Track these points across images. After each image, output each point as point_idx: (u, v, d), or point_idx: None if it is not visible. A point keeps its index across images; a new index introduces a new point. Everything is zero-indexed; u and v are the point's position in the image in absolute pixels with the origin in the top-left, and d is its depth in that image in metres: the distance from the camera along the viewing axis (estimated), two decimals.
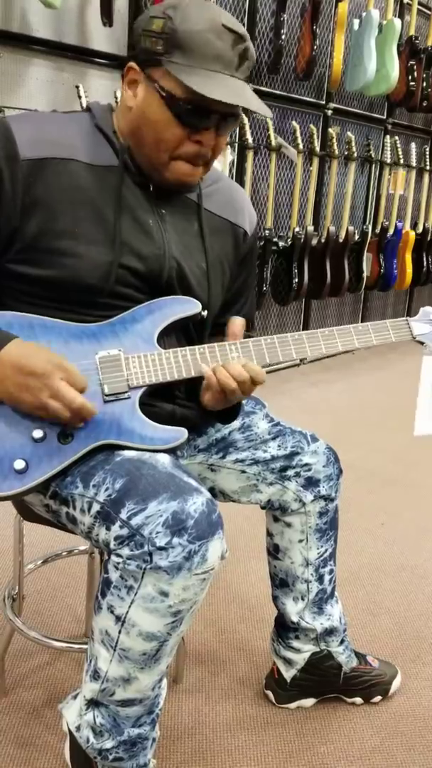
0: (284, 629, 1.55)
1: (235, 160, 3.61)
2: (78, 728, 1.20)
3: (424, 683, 1.68)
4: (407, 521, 2.50)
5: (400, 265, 4.60)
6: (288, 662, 1.55)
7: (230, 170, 3.55)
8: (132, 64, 1.18)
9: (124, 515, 1.06)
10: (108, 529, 1.08)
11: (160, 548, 1.03)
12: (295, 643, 1.54)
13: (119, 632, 1.10)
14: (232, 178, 3.60)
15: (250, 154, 3.52)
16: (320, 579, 1.49)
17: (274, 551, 1.52)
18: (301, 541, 1.47)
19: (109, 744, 1.18)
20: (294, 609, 1.51)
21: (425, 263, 4.82)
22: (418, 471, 2.93)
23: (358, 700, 1.60)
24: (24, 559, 1.55)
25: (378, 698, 1.60)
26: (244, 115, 3.53)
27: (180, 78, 1.10)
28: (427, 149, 4.88)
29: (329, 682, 1.57)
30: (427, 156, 4.84)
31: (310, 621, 1.51)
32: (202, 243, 1.29)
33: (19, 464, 1.11)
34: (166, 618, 1.07)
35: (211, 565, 1.07)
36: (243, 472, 1.41)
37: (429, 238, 4.84)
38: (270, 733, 1.51)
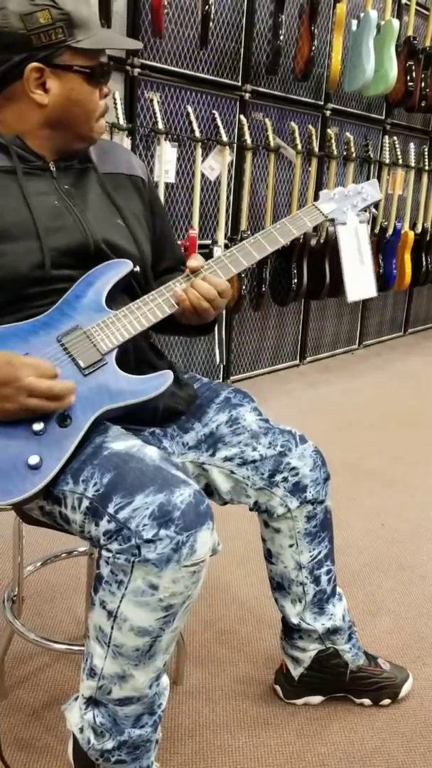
0: (288, 629, 1.55)
1: (234, 161, 3.62)
2: (81, 729, 1.20)
3: (424, 684, 1.68)
4: (407, 521, 2.50)
5: (399, 265, 4.60)
6: (295, 660, 1.56)
7: (229, 171, 3.56)
8: (34, 65, 1.20)
9: (111, 509, 1.07)
10: (97, 524, 1.09)
11: (148, 541, 1.03)
12: (300, 643, 1.54)
13: (112, 628, 1.10)
14: (231, 178, 3.61)
15: (248, 155, 3.52)
16: (316, 581, 1.49)
17: (268, 556, 1.52)
18: (291, 545, 1.46)
19: (110, 744, 1.18)
20: (293, 611, 1.52)
21: (424, 263, 4.81)
22: (418, 471, 2.93)
23: (367, 701, 1.59)
24: (24, 561, 1.55)
25: (387, 701, 1.60)
26: (242, 116, 3.54)
27: (101, 46, 1.23)
28: (426, 149, 4.88)
29: (336, 680, 1.57)
30: (426, 156, 4.84)
31: (311, 622, 1.51)
32: (112, 203, 1.35)
33: (33, 459, 1.12)
34: (157, 612, 1.08)
35: (201, 556, 1.07)
36: (232, 473, 1.40)
37: (428, 238, 4.84)
38: (270, 734, 1.51)
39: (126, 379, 1.20)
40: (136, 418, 1.28)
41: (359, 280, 1.47)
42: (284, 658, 1.59)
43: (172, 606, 1.08)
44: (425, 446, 3.22)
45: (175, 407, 1.38)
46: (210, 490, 1.43)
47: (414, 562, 2.23)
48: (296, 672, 1.56)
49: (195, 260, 1.30)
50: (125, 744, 1.18)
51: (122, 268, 1.28)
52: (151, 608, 1.07)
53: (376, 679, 1.59)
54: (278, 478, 1.40)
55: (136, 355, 1.32)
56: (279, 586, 1.52)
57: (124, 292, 1.31)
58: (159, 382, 1.21)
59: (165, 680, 1.22)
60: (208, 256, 1.87)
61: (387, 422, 3.48)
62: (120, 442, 1.18)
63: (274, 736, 1.50)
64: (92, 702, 1.18)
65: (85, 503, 1.11)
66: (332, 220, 1.44)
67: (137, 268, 1.31)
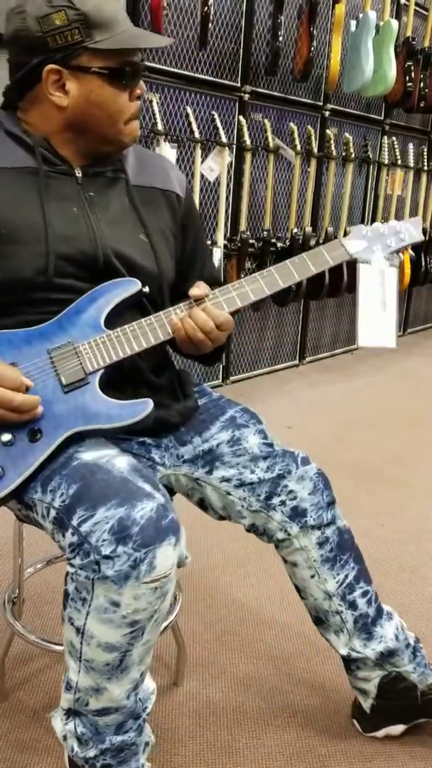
0: (345, 662, 1.46)
1: (233, 162, 3.62)
2: (65, 738, 1.20)
3: None
4: (407, 522, 2.50)
5: (399, 266, 4.60)
6: (363, 692, 1.47)
7: (228, 172, 3.56)
8: (51, 67, 1.19)
9: (75, 522, 1.06)
10: (63, 536, 1.08)
11: (106, 557, 1.02)
12: (361, 673, 1.45)
13: (81, 644, 1.09)
14: (230, 179, 3.60)
15: (248, 156, 3.52)
16: (352, 606, 1.40)
17: (297, 591, 1.45)
18: (312, 576, 1.40)
19: (92, 753, 1.17)
20: (339, 642, 1.43)
21: (423, 263, 4.82)
22: (418, 471, 2.94)
23: None
24: (24, 563, 1.55)
25: None
26: (241, 117, 3.54)
27: (121, 46, 1.18)
28: (425, 150, 4.89)
29: (411, 706, 1.46)
30: (425, 156, 4.85)
31: (361, 650, 1.42)
32: (138, 216, 1.32)
33: None
34: (123, 629, 1.06)
35: (161, 572, 1.04)
36: (228, 494, 1.36)
37: (427, 239, 4.84)
38: (270, 735, 1.51)
39: (105, 402, 1.18)
40: (127, 427, 1.22)
41: (376, 326, 1.36)
42: (354, 691, 1.50)
43: (137, 622, 1.06)
44: (425, 446, 3.22)
45: (167, 419, 1.34)
46: (204, 504, 1.40)
47: (414, 562, 2.23)
48: (367, 704, 1.48)
49: (198, 288, 1.26)
50: (108, 750, 1.17)
51: (130, 287, 1.25)
52: (116, 625, 1.06)
53: None
54: (276, 501, 1.35)
55: (132, 374, 1.29)
56: (318, 620, 1.45)
57: (135, 310, 1.28)
58: (136, 410, 1.18)
59: (149, 686, 1.21)
60: None
61: (386, 422, 3.48)
62: (91, 452, 1.16)
63: (275, 738, 1.51)
64: (72, 713, 1.17)
65: (53, 513, 1.11)
66: (359, 260, 1.35)
67: (146, 289, 1.27)
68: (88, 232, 1.25)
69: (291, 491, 1.35)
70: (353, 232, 1.34)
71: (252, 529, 1.39)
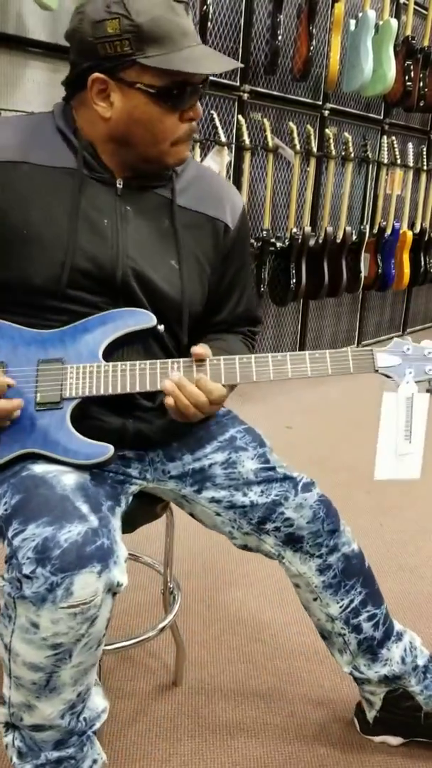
0: (351, 676, 1.44)
1: (233, 161, 3.61)
2: (7, 746, 1.17)
3: None
4: (406, 522, 2.50)
5: (398, 265, 4.60)
6: (369, 702, 1.46)
7: (227, 171, 3.55)
8: (97, 75, 1.13)
9: (10, 534, 1.04)
10: (3, 544, 1.07)
11: (26, 576, 1.00)
12: (367, 687, 1.44)
13: (9, 660, 1.07)
14: (229, 179, 3.60)
15: (247, 155, 3.51)
16: (356, 629, 1.36)
17: (303, 607, 1.42)
18: (315, 599, 1.36)
19: (28, 767, 1.14)
20: (342, 660, 1.41)
21: (423, 263, 4.82)
22: None
23: None
24: None
25: None
26: (240, 117, 3.53)
27: (167, 68, 1.10)
28: (424, 149, 4.89)
29: (413, 724, 1.45)
30: (424, 156, 4.85)
31: (364, 671, 1.39)
32: (175, 240, 1.25)
33: None
34: (44, 650, 1.03)
35: (79, 599, 1.00)
36: (217, 514, 1.32)
37: (426, 238, 4.84)
38: (269, 734, 1.51)
39: (67, 434, 1.14)
40: (103, 440, 1.17)
41: (398, 459, 1.24)
42: (360, 698, 1.49)
43: (60, 645, 1.03)
44: (425, 446, 3.21)
45: (146, 433, 1.27)
46: (194, 518, 1.38)
47: (413, 562, 2.23)
48: (370, 714, 1.46)
49: (202, 348, 1.18)
50: (44, 765, 1.14)
51: (144, 322, 1.20)
52: (37, 646, 1.03)
53: None
54: (269, 526, 1.30)
55: (124, 395, 1.21)
56: (323, 636, 1.43)
57: (147, 337, 1.23)
58: (95, 452, 1.15)
59: (98, 705, 1.17)
60: None
61: None
62: (43, 464, 1.14)
63: (274, 737, 1.50)
64: (10, 726, 1.15)
65: None
66: (388, 377, 1.22)
67: (161, 327, 1.22)
68: (111, 248, 1.19)
69: (287, 519, 1.30)
70: (392, 344, 1.22)
71: (245, 548, 1.36)
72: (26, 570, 0.99)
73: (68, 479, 1.11)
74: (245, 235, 1.39)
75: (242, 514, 1.30)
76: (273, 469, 1.33)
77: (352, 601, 1.36)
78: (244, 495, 1.30)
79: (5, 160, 1.18)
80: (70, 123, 1.22)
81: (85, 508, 1.07)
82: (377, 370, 1.22)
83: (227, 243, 1.33)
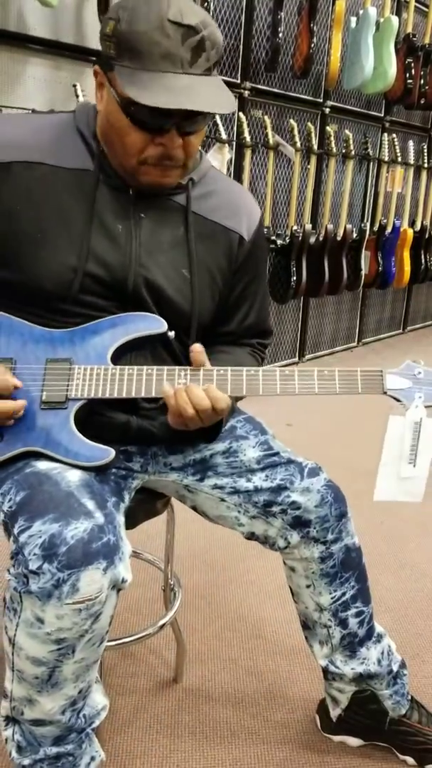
0: (323, 670, 1.44)
1: (233, 159, 3.61)
2: (6, 741, 1.18)
3: (423, 681, 1.68)
4: (406, 519, 2.50)
5: (398, 263, 4.60)
6: (334, 700, 1.46)
7: (228, 168, 3.55)
8: (96, 67, 1.15)
9: (16, 530, 1.05)
10: (9, 540, 1.08)
11: (33, 572, 1.00)
12: (336, 684, 1.43)
13: (12, 654, 1.08)
14: (229, 176, 3.59)
15: (247, 153, 3.51)
16: (342, 623, 1.36)
17: (291, 594, 1.42)
18: (308, 586, 1.36)
19: (26, 761, 1.15)
20: (320, 653, 1.41)
21: (423, 261, 4.81)
22: None
23: (410, 760, 1.43)
24: None
25: None
26: (241, 114, 3.53)
27: (122, 84, 1.07)
28: (425, 147, 4.88)
29: (375, 728, 1.44)
30: (425, 153, 4.84)
31: (340, 666, 1.39)
32: (188, 249, 1.24)
33: None
34: (48, 645, 1.04)
35: (85, 596, 1.01)
36: (222, 500, 1.31)
37: (427, 236, 4.84)
38: (270, 731, 1.51)
39: (70, 434, 1.15)
40: (107, 435, 1.19)
41: (399, 482, 1.23)
42: (325, 695, 1.48)
43: (63, 640, 1.03)
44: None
45: (149, 429, 1.27)
46: (197, 512, 1.37)
47: (414, 560, 2.23)
48: (334, 712, 1.46)
49: (201, 354, 1.17)
50: (43, 760, 1.14)
51: (155, 327, 1.19)
52: (41, 641, 1.03)
53: (422, 739, 1.42)
54: (275, 509, 1.29)
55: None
56: (305, 626, 1.42)
57: (156, 344, 1.24)
58: (96, 455, 1.15)
59: (98, 703, 1.18)
60: None
61: (385, 420, 3.48)
62: (46, 461, 1.15)
63: (274, 734, 1.51)
64: (10, 720, 1.16)
65: (1, 516, 1.11)
66: (397, 400, 1.20)
67: (172, 333, 1.21)
68: (124, 255, 1.19)
69: (294, 502, 1.28)
70: (404, 367, 1.20)
71: (252, 537, 1.34)
72: (33, 566, 1.00)
73: (73, 476, 1.12)
74: (261, 247, 1.37)
75: (247, 497, 1.30)
76: (276, 454, 1.33)
77: (344, 593, 1.35)
78: (248, 480, 1.30)
79: (22, 160, 1.17)
80: (91, 125, 1.21)
81: (90, 504, 1.07)
82: (386, 392, 1.20)
83: (241, 254, 1.31)
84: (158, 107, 1.05)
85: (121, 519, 1.16)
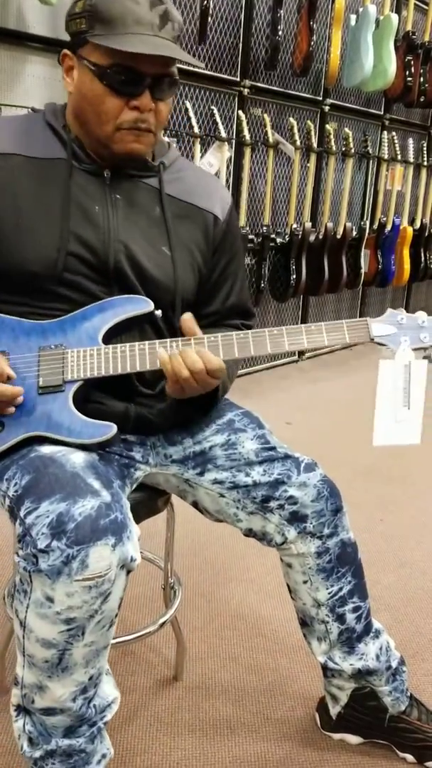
0: (322, 667, 1.44)
1: (233, 157, 3.61)
2: (19, 736, 1.18)
3: (423, 679, 1.69)
4: (406, 517, 2.50)
5: (398, 261, 4.60)
6: (333, 698, 1.46)
7: (227, 167, 3.55)
8: (65, 51, 1.22)
9: (22, 513, 1.06)
10: (15, 525, 1.09)
11: (41, 551, 1.01)
12: (335, 681, 1.43)
13: (23, 637, 1.09)
14: (229, 174, 3.60)
15: (247, 151, 3.51)
16: (340, 619, 1.37)
17: (289, 591, 1.42)
18: (305, 582, 1.36)
19: (38, 753, 1.15)
20: (319, 649, 1.41)
21: (423, 259, 4.81)
22: (416, 467, 2.94)
23: (409, 757, 1.43)
24: None
25: None
26: (240, 112, 3.53)
27: (104, 44, 1.14)
28: (425, 145, 4.88)
29: (375, 725, 1.45)
30: (425, 151, 4.84)
31: (339, 662, 1.39)
32: (166, 228, 1.29)
33: None
34: (58, 625, 1.04)
35: (95, 572, 1.02)
36: (221, 496, 1.33)
37: (426, 234, 4.84)
38: (270, 729, 1.52)
39: (70, 415, 1.17)
40: (107, 421, 1.20)
41: (396, 425, 1.25)
42: (324, 692, 1.48)
43: (73, 620, 1.04)
44: (424, 441, 3.22)
45: (147, 417, 1.30)
46: (199, 507, 1.38)
47: (413, 558, 2.23)
48: (334, 710, 1.46)
49: (191, 321, 1.20)
50: (54, 753, 1.15)
51: (142, 306, 1.23)
52: (51, 621, 1.04)
53: (421, 736, 1.42)
54: (273, 504, 1.30)
55: (121, 380, 1.24)
56: (303, 623, 1.42)
57: (144, 324, 1.27)
58: (98, 431, 1.17)
59: (109, 694, 1.19)
60: None
61: None
62: (50, 445, 1.16)
63: (274, 731, 1.51)
64: (22, 710, 1.16)
65: (7, 502, 1.13)
66: (381, 345, 1.23)
67: (159, 312, 1.25)
68: (104, 233, 1.23)
69: (291, 497, 1.30)
70: (386, 315, 1.24)
71: (250, 533, 1.35)
72: (41, 545, 1.01)
73: (77, 458, 1.14)
74: (235, 228, 1.42)
75: (245, 493, 1.31)
76: (273, 449, 1.34)
77: (341, 588, 1.36)
78: (247, 475, 1.31)
79: None
80: (59, 119, 1.27)
81: (96, 484, 1.09)
82: (372, 339, 1.23)
83: (218, 234, 1.36)
84: (139, 53, 1.12)
85: (126, 500, 1.17)
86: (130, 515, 1.12)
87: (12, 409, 1.17)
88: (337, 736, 1.49)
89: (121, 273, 1.24)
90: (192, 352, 1.17)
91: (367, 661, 1.39)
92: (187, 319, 1.21)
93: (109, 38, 1.14)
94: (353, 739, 1.47)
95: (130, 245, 1.25)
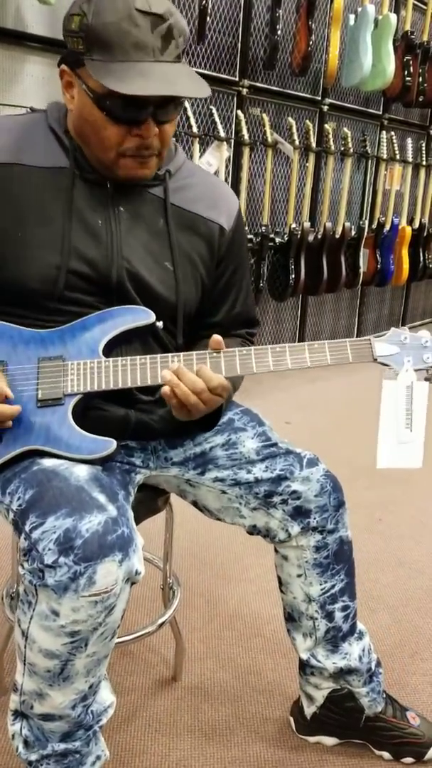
0: (301, 664, 1.44)
1: (232, 157, 3.61)
2: (13, 737, 1.18)
3: (422, 678, 1.69)
4: (404, 517, 2.50)
5: (397, 261, 4.60)
6: (309, 697, 1.46)
7: (226, 166, 3.55)
8: (63, 66, 1.15)
9: (27, 527, 1.05)
10: (19, 538, 1.08)
11: (48, 566, 1.01)
12: (313, 679, 1.43)
13: (25, 647, 1.08)
14: (228, 174, 3.59)
15: (246, 151, 3.51)
16: (329, 616, 1.37)
17: (279, 584, 1.43)
18: (299, 576, 1.36)
19: (33, 756, 1.15)
20: (303, 646, 1.41)
21: (422, 259, 4.82)
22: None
23: (386, 755, 1.44)
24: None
25: (410, 760, 1.43)
26: (239, 112, 3.53)
27: (97, 77, 1.07)
28: (423, 144, 4.88)
29: (351, 725, 1.45)
30: (423, 151, 4.84)
31: (321, 660, 1.39)
32: (169, 241, 1.25)
33: None
34: (62, 638, 1.04)
35: (101, 588, 1.01)
36: (223, 492, 1.32)
37: (425, 234, 4.84)
38: (268, 729, 1.52)
39: (69, 429, 1.15)
40: (106, 430, 1.19)
41: (399, 447, 1.25)
42: (300, 693, 1.48)
43: (77, 633, 1.04)
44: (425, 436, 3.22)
45: (148, 423, 1.28)
46: (199, 506, 1.37)
47: (412, 557, 2.23)
48: (309, 710, 1.46)
49: (220, 344, 1.18)
50: (50, 756, 1.14)
51: (143, 318, 1.20)
52: (55, 633, 1.04)
53: (397, 733, 1.44)
54: (276, 499, 1.30)
55: (125, 390, 1.22)
56: (290, 617, 1.42)
57: (145, 336, 1.24)
58: (97, 447, 1.15)
59: (106, 699, 1.18)
60: None
61: None
62: (51, 458, 1.15)
63: (273, 731, 1.51)
64: (19, 714, 1.16)
65: (11, 516, 1.11)
66: (385, 365, 1.22)
67: (160, 324, 1.23)
68: (107, 249, 1.20)
69: (294, 491, 1.29)
70: (389, 334, 1.22)
71: (254, 530, 1.35)
72: (48, 560, 1.00)
73: (80, 470, 1.12)
74: (241, 237, 1.38)
75: (248, 489, 1.30)
76: (275, 445, 1.34)
77: (333, 586, 1.36)
78: (248, 472, 1.31)
79: None
80: (62, 122, 1.22)
81: (102, 498, 1.08)
82: (376, 359, 1.22)
83: (223, 244, 1.33)
84: (136, 96, 1.06)
85: (131, 512, 1.16)
86: (135, 526, 1.12)
87: (9, 424, 1.14)
88: (313, 739, 1.48)
89: (122, 289, 1.21)
90: (191, 375, 1.14)
91: (350, 661, 1.39)
92: (218, 340, 1.17)
93: (104, 69, 1.07)
94: (329, 741, 1.48)
95: (133, 261, 1.22)
